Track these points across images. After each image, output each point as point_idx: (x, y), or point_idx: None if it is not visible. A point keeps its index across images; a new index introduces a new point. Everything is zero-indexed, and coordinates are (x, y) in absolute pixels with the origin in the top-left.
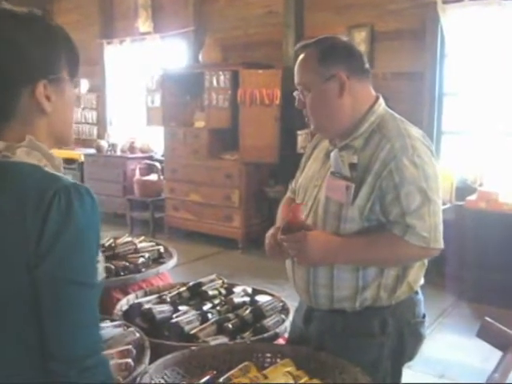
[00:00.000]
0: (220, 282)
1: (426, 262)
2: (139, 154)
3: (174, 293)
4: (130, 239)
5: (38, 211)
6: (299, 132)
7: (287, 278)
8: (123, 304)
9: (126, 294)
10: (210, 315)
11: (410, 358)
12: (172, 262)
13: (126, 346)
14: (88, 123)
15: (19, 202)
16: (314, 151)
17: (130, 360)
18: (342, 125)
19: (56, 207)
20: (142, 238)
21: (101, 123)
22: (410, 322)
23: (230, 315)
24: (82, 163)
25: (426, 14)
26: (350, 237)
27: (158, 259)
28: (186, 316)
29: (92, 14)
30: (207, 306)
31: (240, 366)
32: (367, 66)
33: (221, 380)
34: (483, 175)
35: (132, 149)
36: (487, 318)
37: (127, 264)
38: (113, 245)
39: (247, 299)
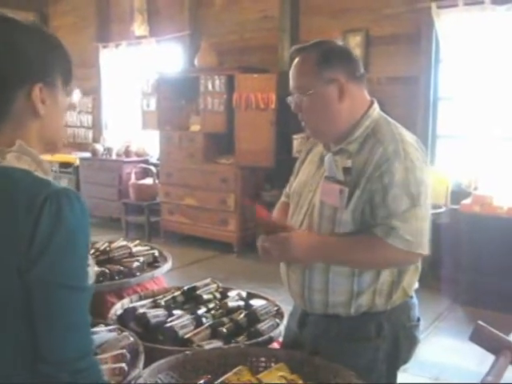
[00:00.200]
0: (215, 286)
1: (419, 266)
2: (134, 158)
3: (169, 297)
4: (124, 243)
5: (29, 216)
6: (295, 136)
7: (282, 282)
8: (118, 308)
9: (121, 298)
10: (204, 319)
11: (405, 362)
12: (167, 266)
13: (120, 350)
14: (83, 127)
15: (10, 207)
16: (308, 156)
17: (123, 364)
18: (339, 129)
19: (47, 212)
20: (137, 241)
21: (96, 127)
22: (405, 326)
23: (225, 319)
24: (78, 167)
25: (421, 19)
26: (332, 237)
27: (153, 263)
28: (181, 320)
29: (88, 17)
30: (202, 310)
31: (234, 370)
32: (363, 70)
33: None
34: (478, 179)
35: (127, 152)
36: (480, 322)
37: (122, 268)
38: (108, 249)
39: (242, 303)
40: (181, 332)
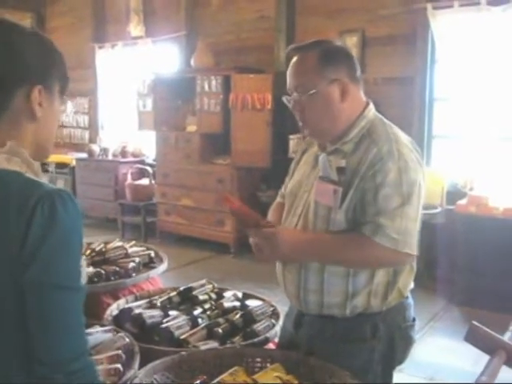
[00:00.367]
0: (210, 286)
1: (414, 266)
2: (131, 159)
3: (165, 298)
4: (120, 244)
5: (21, 217)
6: (291, 136)
7: (278, 283)
8: (113, 309)
9: (117, 298)
10: (200, 320)
11: (401, 362)
12: (162, 267)
13: (116, 351)
14: (80, 127)
15: (2, 209)
16: (303, 156)
17: (119, 365)
18: (337, 129)
19: (40, 212)
20: (133, 242)
21: (92, 127)
22: (401, 326)
23: (221, 320)
24: (74, 167)
25: (417, 20)
26: (319, 234)
27: (149, 264)
28: (177, 321)
29: (85, 17)
30: (197, 311)
31: (230, 371)
32: (360, 71)
33: None
34: (473, 179)
35: (124, 153)
36: (475, 322)
37: (117, 269)
38: (103, 249)
39: (237, 304)
40: (176, 333)
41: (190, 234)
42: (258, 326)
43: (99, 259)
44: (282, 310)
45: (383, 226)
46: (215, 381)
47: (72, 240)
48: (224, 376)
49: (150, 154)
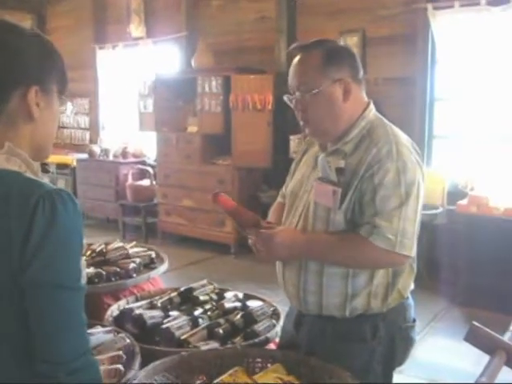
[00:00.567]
0: (211, 287)
1: (415, 267)
2: (132, 159)
3: (165, 298)
4: (121, 244)
5: (22, 217)
6: (292, 137)
7: (278, 283)
8: (114, 309)
9: (117, 299)
10: (200, 320)
11: (401, 363)
12: (163, 268)
13: (117, 351)
14: (80, 128)
15: (2, 209)
16: (303, 156)
17: (120, 366)
18: (339, 129)
19: (41, 212)
20: (134, 243)
21: (93, 128)
22: (401, 327)
23: (221, 320)
24: (75, 168)
25: (417, 20)
26: (316, 235)
27: (150, 264)
28: (177, 321)
29: (85, 18)
30: (198, 312)
31: (230, 371)
32: (362, 71)
33: None
34: (474, 180)
35: (124, 154)
36: (475, 323)
37: (118, 269)
38: (104, 250)
39: (238, 304)
40: (177, 333)
41: (190, 234)
42: (259, 327)
43: (100, 260)
44: (283, 310)
45: (380, 227)
46: (216, 381)
47: (72, 239)
48: (224, 376)
49: (150, 154)
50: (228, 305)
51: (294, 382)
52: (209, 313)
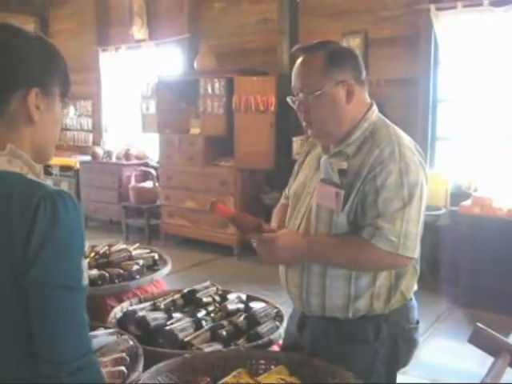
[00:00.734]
0: (214, 288)
1: (418, 269)
2: (134, 161)
3: (169, 300)
4: (124, 246)
5: (23, 218)
6: (294, 138)
7: (281, 285)
8: (117, 311)
9: (121, 301)
10: (204, 322)
11: (404, 364)
12: (166, 269)
13: (120, 353)
14: (83, 130)
15: (4, 210)
16: (306, 158)
17: (123, 368)
18: (342, 131)
19: (42, 213)
20: (137, 245)
21: (96, 130)
22: (404, 328)
23: (224, 322)
24: (78, 170)
25: (420, 21)
26: (318, 237)
27: (153, 266)
28: (180, 323)
29: (88, 21)
30: (201, 313)
31: (234, 373)
32: (365, 72)
33: None
34: (477, 181)
35: (127, 156)
36: (479, 324)
37: (121, 271)
38: (107, 252)
39: (241, 306)
40: (180, 335)
41: (193, 236)
42: (262, 328)
43: (103, 262)
44: (286, 311)
45: (382, 229)
46: (219, 383)
47: (74, 240)
48: (228, 378)
49: (153, 156)
50: (231, 306)
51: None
52: (212, 314)
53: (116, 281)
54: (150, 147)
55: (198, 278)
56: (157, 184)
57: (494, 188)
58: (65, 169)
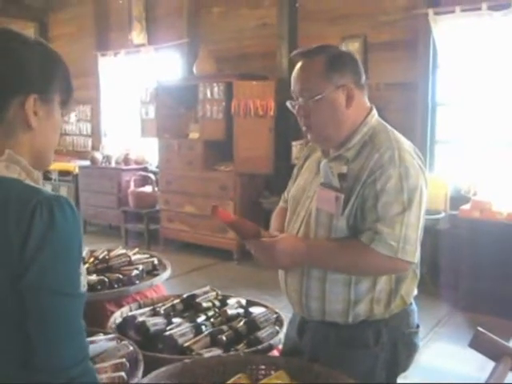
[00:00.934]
0: (214, 293)
1: (418, 273)
2: (134, 166)
3: (168, 305)
4: (123, 251)
5: (20, 223)
6: (294, 143)
7: (281, 289)
8: (117, 317)
9: (120, 306)
10: (203, 327)
11: (405, 369)
12: (166, 274)
13: (120, 359)
14: (82, 135)
15: (1, 214)
16: (306, 161)
17: (123, 373)
18: (342, 135)
19: (38, 218)
20: (136, 249)
21: (95, 135)
22: (404, 333)
23: (224, 327)
24: (77, 175)
25: (418, 25)
26: (318, 241)
27: (152, 271)
28: (180, 328)
29: (87, 25)
30: (201, 318)
31: (234, 379)
32: (365, 76)
33: None
34: (477, 184)
35: (126, 160)
36: (480, 328)
37: (121, 276)
38: (106, 257)
39: (241, 311)
40: (180, 340)
41: (193, 240)
42: (262, 333)
43: (102, 267)
44: (286, 316)
45: (381, 233)
46: None
47: (71, 246)
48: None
49: (152, 161)
50: (231, 311)
51: None
52: (212, 320)
53: (115, 286)
54: (149, 152)
55: (197, 282)
56: (156, 189)
57: (493, 192)
58: (64, 174)
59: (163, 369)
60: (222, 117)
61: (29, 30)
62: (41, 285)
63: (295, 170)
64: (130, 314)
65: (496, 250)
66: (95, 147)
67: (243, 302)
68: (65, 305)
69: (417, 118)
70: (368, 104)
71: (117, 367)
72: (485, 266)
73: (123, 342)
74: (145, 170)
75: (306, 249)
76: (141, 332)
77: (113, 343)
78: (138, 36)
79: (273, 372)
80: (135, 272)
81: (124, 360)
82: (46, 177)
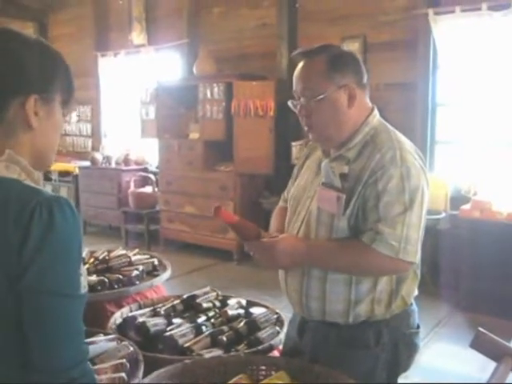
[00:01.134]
0: (214, 294)
1: (418, 274)
2: (134, 166)
3: (168, 305)
4: (124, 252)
5: (19, 223)
6: (293, 143)
7: (281, 289)
8: (117, 317)
9: (120, 307)
10: (204, 328)
11: (405, 369)
12: (166, 275)
13: (120, 360)
14: (82, 135)
15: (1, 214)
16: (306, 161)
17: (123, 374)
18: (343, 135)
19: (38, 218)
20: (136, 250)
21: (95, 135)
22: (405, 333)
23: (225, 328)
24: (77, 176)
25: (418, 25)
26: (318, 241)
27: (153, 272)
28: (180, 329)
29: (87, 26)
30: (201, 319)
31: (234, 379)
32: (367, 76)
33: None
34: (477, 184)
35: (127, 161)
36: (481, 329)
37: (121, 277)
38: (107, 258)
39: (242, 311)
40: (180, 341)
41: (193, 241)
42: (263, 334)
43: (102, 267)
44: (286, 317)
45: (383, 234)
46: None
47: (70, 246)
48: None
49: (152, 161)
50: (231, 312)
51: None
52: (212, 320)
53: (115, 286)
54: (149, 152)
55: (197, 283)
56: (156, 189)
57: (493, 192)
58: (64, 174)
59: (163, 369)
60: (222, 117)
61: (28, 31)
62: (40, 286)
63: (295, 170)
64: (130, 314)
65: (496, 250)
66: (95, 148)
67: (243, 302)
68: (64, 306)
69: (417, 118)
70: (370, 104)
71: (117, 368)
72: (485, 266)
73: (123, 343)
74: (145, 170)
75: (306, 249)
76: (141, 332)
77: (113, 344)
78: (137, 36)
79: (273, 372)
80: (135, 272)
81: (124, 361)
82: (47, 177)
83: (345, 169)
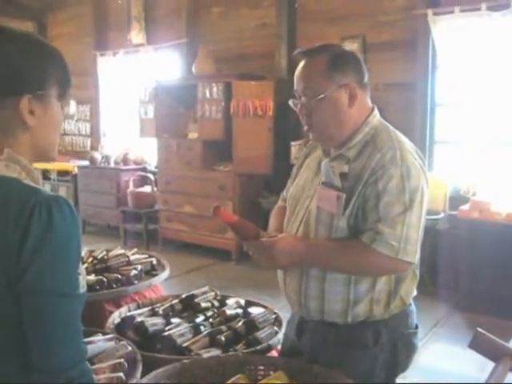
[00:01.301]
0: (213, 294)
1: (417, 274)
2: (133, 166)
3: (167, 305)
4: (122, 251)
5: (18, 223)
6: (293, 143)
7: (280, 289)
8: (115, 317)
9: (119, 306)
10: (202, 327)
11: (404, 369)
12: (164, 274)
13: (118, 359)
14: (81, 135)
15: (0, 214)
16: (305, 160)
17: (121, 374)
18: (344, 134)
19: (37, 218)
20: (135, 250)
21: (94, 135)
22: (403, 333)
23: (223, 327)
24: (76, 175)
25: (418, 26)
26: (317, 241)
27: (151, 271)
28: (179, 329)
29: (86, 25)
30: (200, 319)
31: (233, 379)
32: (367, 76)
33: None
34: (476, 185)
35: (125, 160)
36: (479, 329)
37: (119, 276)
38: (105, 257)
39: (240, 311)
40: (179, 340)
41: (192, 241)
42: (261, 334)
43: (101, 267)
44: (285, 317)
45: (383, 234)
46: None
47: (69, 246)
48: None
49: (151, 161)
50: (230, 312)
51: None
52: (210, 320)
53: (114, 286)
54: (148, 152)
55: (196, 282)
56: (155, 189)
57: (492, 192)
58: (63, 174)
59: (162, 369)
60: (221, 117)
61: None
62: (39, 286)
63: (294, 169)
64: (128, 314)
65: (495, 250)
66: (94, 147)
67: (242, 302)
68: (63, 306)
69: (416, 118)
70: (370, 104)
71: (115, 367)
72: (484, 266)
73: (122, 343)
74: (144, 170)
75: (306, 248)
76: (139, 332)
77: (111, 343)
78: (136, 36)
79: (272, 372)
80: (134, 272)
81: (122, 360)
82: (45, 177)
83: (345, 168)
